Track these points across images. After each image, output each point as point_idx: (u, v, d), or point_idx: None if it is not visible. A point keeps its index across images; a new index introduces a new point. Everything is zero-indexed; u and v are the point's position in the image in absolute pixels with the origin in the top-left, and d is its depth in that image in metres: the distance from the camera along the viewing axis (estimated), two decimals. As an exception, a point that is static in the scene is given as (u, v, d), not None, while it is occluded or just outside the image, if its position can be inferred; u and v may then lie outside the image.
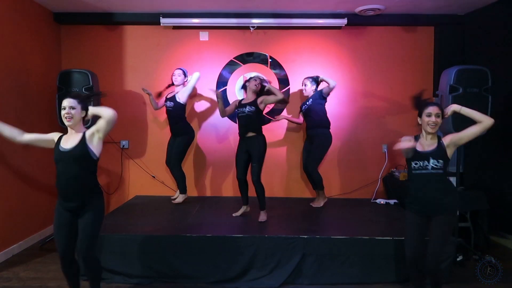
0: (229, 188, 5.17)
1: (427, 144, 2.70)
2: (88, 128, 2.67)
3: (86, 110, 2.66)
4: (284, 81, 5.13)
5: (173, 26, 5.02)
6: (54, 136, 2.69)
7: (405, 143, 2.65)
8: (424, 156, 2.64)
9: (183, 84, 4.55)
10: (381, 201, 4.84)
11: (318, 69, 5.08)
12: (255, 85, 3.87)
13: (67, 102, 2.60)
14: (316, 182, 4.52)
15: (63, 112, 2.60)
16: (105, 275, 3.29)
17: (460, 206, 2.76)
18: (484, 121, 2.61)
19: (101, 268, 2.85)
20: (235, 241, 3.37)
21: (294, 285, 3.33)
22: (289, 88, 5.14)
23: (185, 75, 4.56)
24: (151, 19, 4.88)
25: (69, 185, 2.60)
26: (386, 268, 3.36)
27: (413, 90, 5.03)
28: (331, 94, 4.63)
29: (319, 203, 4.55)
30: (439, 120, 2.65)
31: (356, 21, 4.89)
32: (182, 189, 4.56)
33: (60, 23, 4.96)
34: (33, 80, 4.41)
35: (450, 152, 2.67)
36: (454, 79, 3.60)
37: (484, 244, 4.14)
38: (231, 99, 5.12)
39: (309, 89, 4.58)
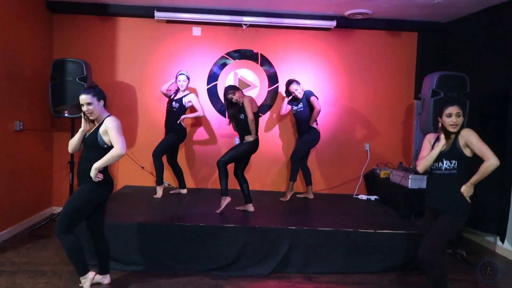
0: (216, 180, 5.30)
1: (448, 143, 2.72)
2: None
3: (104, 98, 2.83)
4: (273, 79, 5.29)
5: (167, 20, 5.09)
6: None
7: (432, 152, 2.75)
8: (439, 157, 2.71)
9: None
10: (363, 196, 5.08)
11: (307, 68, 5.27)
12: (236, 99, 4.00)
13: (83, 100, 2.73)
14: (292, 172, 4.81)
15: (83, 109, 2.76)
16: (99, 261, 3.39)
17: (468, 212, 2.75)
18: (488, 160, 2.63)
19: (74, 248, 2.80)
20: (227, 231, 3.52)
21: (282, 273, 3.51)
22: (278, 86, 5.30)
23: (188, 79, 4.72)
24: (145, 12, 4.94)
25: (78, 165, 2.84)
26: (368, 258, 3.58)
27: (396, 92, 5.39)
28: (318, 93, 4.88)
29: (287, 196, 4.78)
30: (460, 119, 2.64)
31: (345, 24, 5.09)
32: (159, 180, 4.63)
33: (52, 12, 4.95)
34: (26, 68, 4.41)
35: (468, 151, 2.67)
36: (436, 83, 3.84)
37: (457, 240, 4.41)
38: (221, 94, 5.23)
39: (301, 91, 4.77)
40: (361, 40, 5.34)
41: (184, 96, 4.66)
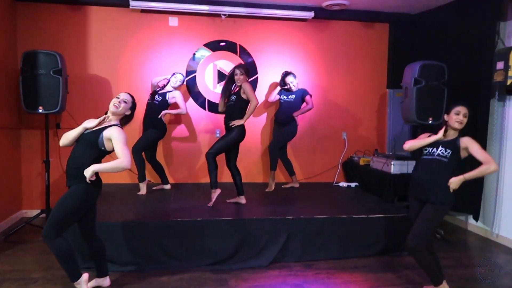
0: (200, 174, 5.23)
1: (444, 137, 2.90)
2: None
3: (132, 111, 2.92)
4: (252, 70, 5.24)
5: (141, 10, 4.88)
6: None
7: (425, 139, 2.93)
8: (436, 143, 2.88)
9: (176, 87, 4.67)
10: (343, 184, 5.23)
11: (285, 59, 5.29)
12: (237, 79, 3.92)
13: (123, 95, 2.86)
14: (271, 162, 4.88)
15: (114, 99, 2.81)
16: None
17: (452, 201, 2.88)
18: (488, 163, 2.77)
19: (64, 253, 2.66)
20: (225, 224, 3.49)
21: (281, 263, 3.54)
22: (257, 77, 5.28)
23: (183, 83, 4.73)
24: (118, 1, 4.71)
25: (68, 162, 2.71)
26: (362, 243, 3.71)
27: (370, 82, 5.56)
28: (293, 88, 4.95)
29: (270, 187, 4.85)
30: (465, 119, 2.83)
31: (322, 15, 5.16)
32: (141, 177, 4.48)
33: (16, 0, 4.57)
34: (-10, 60, 4.06)
35: (463, 153, 2.84)
36: (418, 73, 4.01)
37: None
38: (200, 86, 5.16)
39: (295, 84, 4.84)
40: (337, 31, 5.44)
41: (169, 91, 4.53)
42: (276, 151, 4.85)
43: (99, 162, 2.73)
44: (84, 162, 2.64)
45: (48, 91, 4.03)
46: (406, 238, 2.92)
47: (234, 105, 3.92)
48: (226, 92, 4.01)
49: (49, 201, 4.31)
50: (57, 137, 4.66)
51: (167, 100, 4.50)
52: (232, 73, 3.93)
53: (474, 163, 2.83)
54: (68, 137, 2.75)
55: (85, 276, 2.79)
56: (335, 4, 4.93)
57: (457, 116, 2.83)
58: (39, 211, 4.41)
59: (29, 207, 4.80)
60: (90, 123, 2.76)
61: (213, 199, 3.92)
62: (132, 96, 2.92)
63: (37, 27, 4.69)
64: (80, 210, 2.70)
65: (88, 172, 2.59)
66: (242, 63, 4.08)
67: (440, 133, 2.89)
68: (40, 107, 4.04)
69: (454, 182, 2.81)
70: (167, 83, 4.61)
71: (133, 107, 2.92)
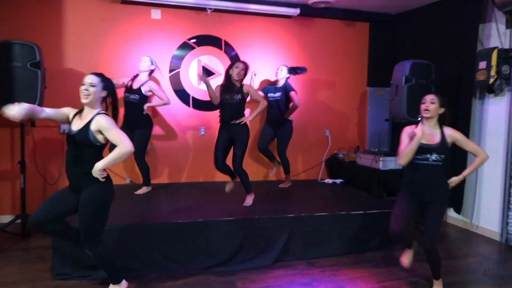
0: (186, 173, 5.06)
1: (429, 133, 2.84)
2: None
3: (108, 91, 2.57)
4: (237, 66, 5.14)
5: (122, 1, 4.61)
6: (69, 112, 2.60)
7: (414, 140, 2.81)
8: (428, 150, 2.81)
9: (148, 71, 4.32)
10: (329, 180, 5.26)
11: (270, 55, 5.23)
12: (237, 73, 3.77)
13: (87, 79, 2.50)
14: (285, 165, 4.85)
15: (81, 88, 2.49)
16: (88, 272, 3.00)
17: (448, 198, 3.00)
18: (480, 155, 2.89)
19: (108, 257, 2.64)
20: (228, 225, 3.38)
21: (283, 262, 3.49)
22: (242, 73, 5.17)
23: (152, 63, 4.34)
24: (98, -9, 4.42)
25: (69, 168, 2.56)
26: (360, 239, 3.75)
27: (352, 80, 5.64)
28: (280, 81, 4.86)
29: (286, 184, 4.87)
30: (433, 106, 2.80)
31: (307, 12, 5.15)
32: (147, 181, 4.33)
33: (-18, -15, 4.16)
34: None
35: (449, 145, 2.88)
36: (409, 71, 4.10)
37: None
38: (184, 82, 4.97)
39: (282, 76, 4.71)
40: (320, 29, 5.46)
41: (142, 85, 4.23)
42: (285, 155, 4.81)
43: (102, 157, 2.53)
44: (88, 163, 2.46)
45: (24, 86, 3.69)
46: (423, 242, 2.89)
47: (239, 104, 3.80)
48: (228, 88, 3.82)
49: (24, 205, 3.95)
50: (33, 135, 4.29)
51: (144, 95, 4.23)
52: (229, 67, 3.83)
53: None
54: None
55: (125, 284, 2.74)
56: (320, 2, 4.93)
57: (423, 105, 2.84)
58: (11, 216, 4.07)
59: (-2, 213, 4.39)
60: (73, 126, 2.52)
61: (250, 202, 3.91)
62: (99, 75, 2.54)
63: (7, 17, 4.28)
64: (108, 210, 2.62)
65: (96, 171, 2.41)
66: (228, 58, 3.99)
67: (420, 131, 2.79)
68: (16, 103, 3.68)
69: (455, 181, 2.92)
70: (135, 77, 4.31)
71: (107, 85, 2.56)
